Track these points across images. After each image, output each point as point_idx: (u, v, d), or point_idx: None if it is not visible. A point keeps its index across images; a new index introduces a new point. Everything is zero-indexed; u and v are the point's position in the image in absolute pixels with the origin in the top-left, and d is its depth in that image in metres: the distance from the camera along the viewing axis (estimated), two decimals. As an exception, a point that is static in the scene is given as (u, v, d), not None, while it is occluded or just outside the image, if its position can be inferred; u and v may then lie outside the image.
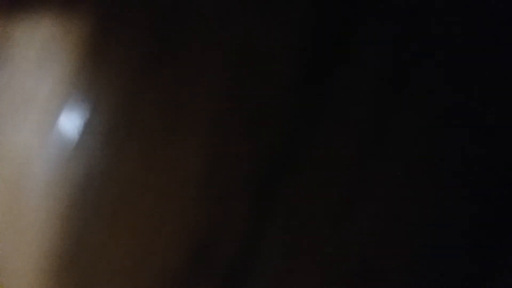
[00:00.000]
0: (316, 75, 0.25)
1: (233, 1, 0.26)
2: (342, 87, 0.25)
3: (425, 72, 0.25)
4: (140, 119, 0.26)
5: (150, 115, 0.26)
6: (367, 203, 0.25)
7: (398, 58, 0.25)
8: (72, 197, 0.26)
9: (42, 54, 0.28)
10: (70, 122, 0.26)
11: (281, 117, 0.25)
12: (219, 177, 0.25)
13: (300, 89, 0.25)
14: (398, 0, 0.25)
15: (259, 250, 0.25)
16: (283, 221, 0.25)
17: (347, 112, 0.25)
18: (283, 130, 0.25)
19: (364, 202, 0.25)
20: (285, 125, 0.25)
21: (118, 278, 0.26)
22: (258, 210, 0.25)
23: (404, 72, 0.25)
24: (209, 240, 0.25)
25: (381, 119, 0.25)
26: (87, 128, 0.26)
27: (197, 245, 0.25)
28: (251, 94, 0.25)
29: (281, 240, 0.25)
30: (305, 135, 0.25)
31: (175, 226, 0.25)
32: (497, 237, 0.25)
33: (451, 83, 0.25)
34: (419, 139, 0.25)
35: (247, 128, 0.25)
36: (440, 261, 0.25)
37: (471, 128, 0.25)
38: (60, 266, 0.27)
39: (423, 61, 0.25)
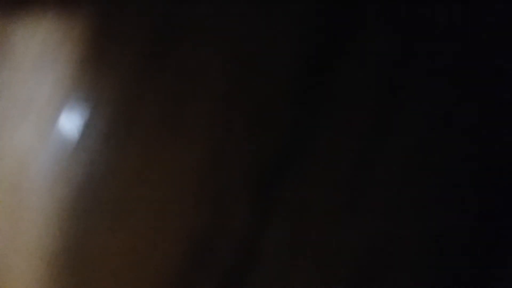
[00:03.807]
0: (317, 71, 0.25)
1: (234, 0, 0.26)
2: (343, 83, 0.25)
3: (425, 71, 0.25)
4: (141, 119, 0.26)
5: (151, 115, 0.26)
6: (368, 202, 0.25)
7: (399, 54, 0.25)
8: (72, 197, 0.26)
9: (42, 54, 0.28)
10: (70, 122, 0.26)
11: (281, 117, 0.25)
12: (219, 177, 0.25)
13: (301, 86, 0.25)
14: None
15: (259, 250, 0.25)
16: (283, 221, 0.25)
17: (348, 109, 0.25)
18: (284, 129, 0.25)
19: (365, 202, 0.25)
20: (285, 124, 0.25)
21: (118, 278, 0.26)
22: (258, 210, 0.25)
23: (403, 68, 0.25)
24: (209, 240, 0.25)
25: (382, 115, 0.25)
26: (87, 128, 0.26)
27: (197, 244, 0.25)
28: (251, 93, 0.25)
29: (281, 240, 0.25)
30: (305, 134, 0.25)
31: (175, 226, 0.25)
32: (498, 241, 0.25)
33: (452, 84, 0.25)
34: (420, 134, 0.25)
35: (247, 127, 0.25)
36: (441, 261, 0.25)
37: (471, 129, 0.25)
38: (60, 266, 0.27)
39: (424, 60, 0.25)
